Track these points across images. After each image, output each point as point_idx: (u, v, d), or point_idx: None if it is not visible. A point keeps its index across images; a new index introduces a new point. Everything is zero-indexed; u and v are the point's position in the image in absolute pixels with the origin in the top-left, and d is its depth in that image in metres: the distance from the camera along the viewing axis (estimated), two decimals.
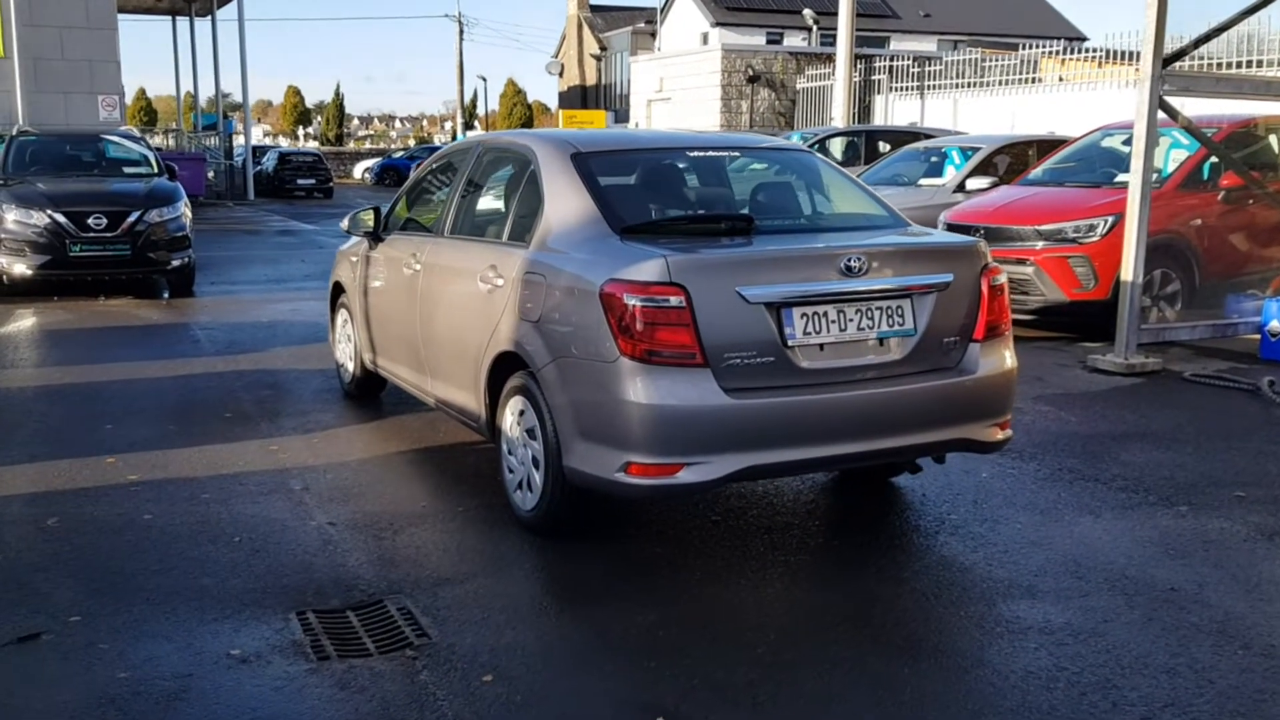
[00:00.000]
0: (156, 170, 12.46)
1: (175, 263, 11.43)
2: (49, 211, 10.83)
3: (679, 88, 24.80)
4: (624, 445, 3.87)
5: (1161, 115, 7.63)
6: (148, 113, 67.47)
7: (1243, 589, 3.94)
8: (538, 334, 4.24)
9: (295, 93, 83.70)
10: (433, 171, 5.99)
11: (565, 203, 4.42)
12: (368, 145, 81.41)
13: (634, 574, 4.09)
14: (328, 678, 3.29)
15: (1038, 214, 9.03)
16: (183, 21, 36.29)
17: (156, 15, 40.91)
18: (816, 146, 14.64)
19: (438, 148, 44.88)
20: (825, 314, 4.01)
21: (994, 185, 10.99)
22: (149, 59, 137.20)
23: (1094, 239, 8.60)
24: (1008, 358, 4.45)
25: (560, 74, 46.82)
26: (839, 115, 19.40)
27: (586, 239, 4.22)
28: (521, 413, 4.41)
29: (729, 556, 4.25)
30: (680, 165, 4.98)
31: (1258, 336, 8.22)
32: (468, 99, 61.05)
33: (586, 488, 4.10)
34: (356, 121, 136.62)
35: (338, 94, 77.68)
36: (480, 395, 4.73)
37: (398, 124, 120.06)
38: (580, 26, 46.21)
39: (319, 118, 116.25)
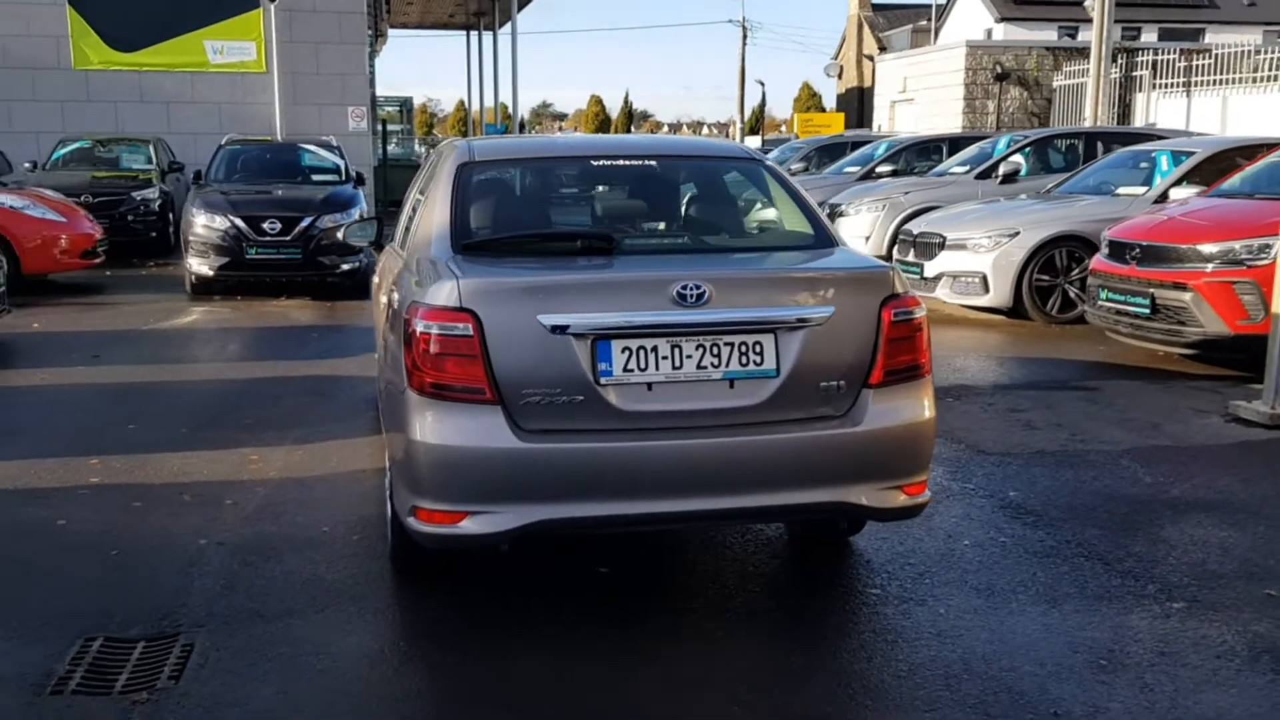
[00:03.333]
0: (343, 178, 13.10)
1: (345, 267, 11.93)
2: (229, 216, 11.59)
3: (922, 87, 23.52)
4: (413, 487, 3.54)
5: None
6: (464, 123, 72.21)
7: None
8: (383, 355, 3.98)
9: (597, 101, 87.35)
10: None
11: (431, 214, 4.12)
12: None
13: (462, 630, 3.72)
14: (29, 713, 3.17)
15: (1204, 230, 7.73)
16: (465, 34, 38.22)
17: (452, 29, 43.64)
18: (1027, 150, 13.40)
19: None
20: (655, 349, 3.48)
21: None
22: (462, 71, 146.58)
23: (1266, 261, 7.22)
24: (915, 407, 3.71)
25: (839, 76, 45.81)
26: (1092, 115, 17.68)
27: (426, 256, 3.90)
28: None
29: (591, 621, 3.79)
30: (578, 176, 4.54)
31: None
32: (755, 104, 61.07)
33: None
34: (666, 129, 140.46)
35: (626, 102, 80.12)
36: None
37: (695, 129, 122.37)
38: (860, 27, 44.97)
39: (630, 125, 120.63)
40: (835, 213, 13.69)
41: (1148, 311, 7.83)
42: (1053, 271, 10.00)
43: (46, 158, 16.78)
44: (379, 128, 25.73)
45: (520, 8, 30.13)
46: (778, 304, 3.58)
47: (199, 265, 11.67)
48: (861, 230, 13.30)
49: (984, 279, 10.06)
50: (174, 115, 19.80)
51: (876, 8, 46.35)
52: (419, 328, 3.46)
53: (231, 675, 3.40)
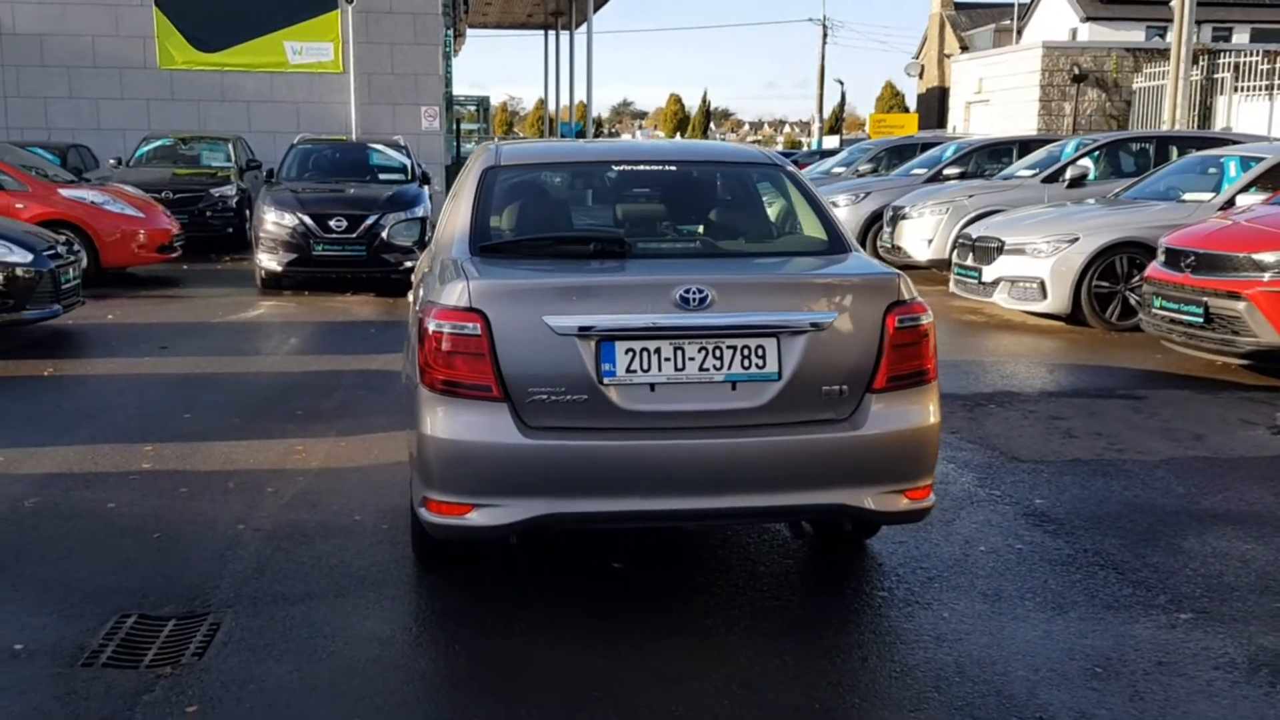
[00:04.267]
0: (409, 177, 13.40)
1: (408, 264, 12.17)
2: (298, 214, 11.94)
3: (998, 89, 23.18)
4: (425, 479, 3.70)
5: None
6: (543, 121, 72.95)
7: None
8: (406, 352, 4.14)
9: (676, 100, 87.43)
10: None
11: (455, 216, 4.28)
12: None
13: (473, 617, 3.87)
14: (58, 682, 3.38)
15: (1261, 238, 7.59)
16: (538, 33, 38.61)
17: (530, 29, 44.12)
18: (1097, 154, 13.19)
19: (790, 154, 44.98)
20: (659, 351, 3.58)
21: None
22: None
23: None
24: (919, 412, 3.76)
25: (920, 75, 45.29)
26: (1170, 118, 17.32)
27: (448, 256, 4.05)
28: None
29: (598, 613, 3.92)
30: (600, 181, 4.65)
31: None
32: (836, 103, 60.61)
33: None
34: (747, 127, 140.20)
35: (704, 101, 79.99)
36: None
37: (777, 128, 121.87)
38: (942, 26, 44.39)
39: (711, 123, 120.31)
40: (898, 215, 13.64)
41: (1201, 320, 7.71)
42: (1113, 278, 9.88)
43: (131, 154, 17.40)
44: (453, 126, 26.13)
45: (597, 8, 30.37)
46: (780, 309, 3.67)
47: (268, 261, 12.03)
48: (924, 233, 13.24)
49: (1042, 285, 9.97)
50: (254, 114, 20.39)
51: (959, 6, 45.71)
52: (431, 326, 3.61)
53: (250, 654, 3.59)
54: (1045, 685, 3.38)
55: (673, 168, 4.59)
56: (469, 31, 41.05)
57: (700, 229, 4.49)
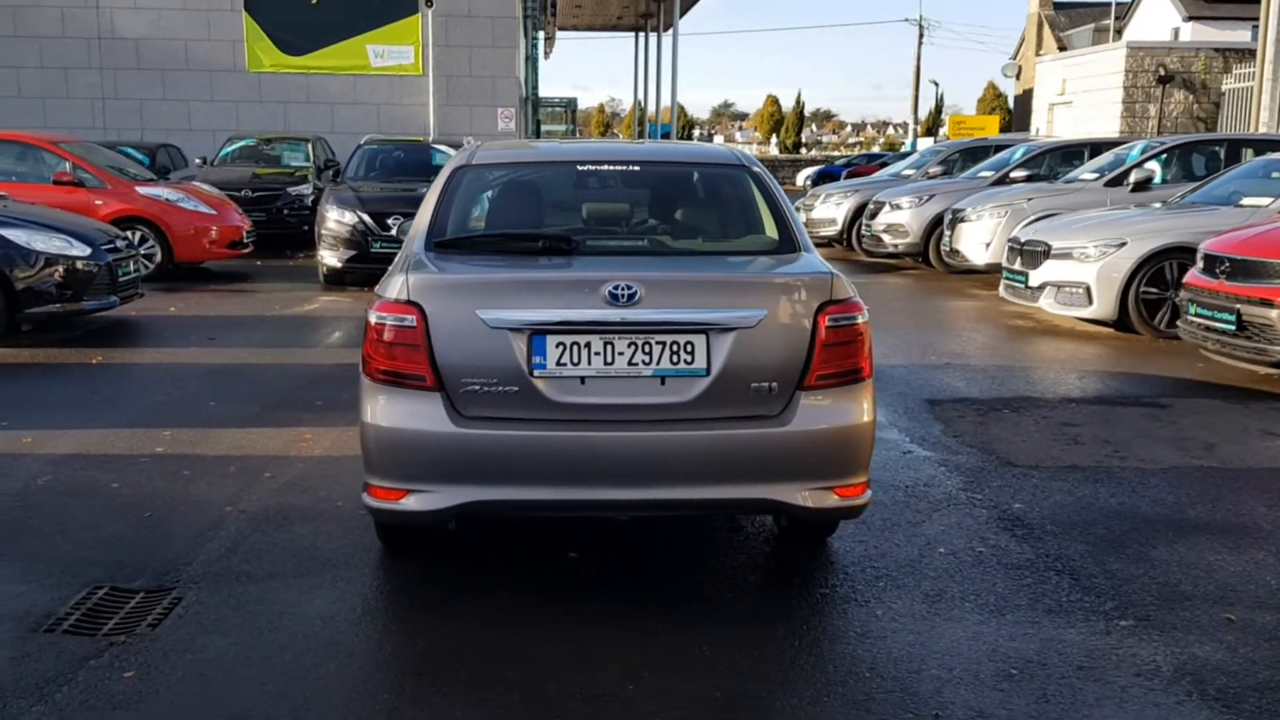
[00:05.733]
0: None
1: None
2: (357, 212, 12.30)
3: (1081, 89, 22.63)
4: (366, 465, 3.87)
5: None
6: (640, 123, 73.45)
7: None
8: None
9: (773, 101, 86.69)
10: None
11: (421, 215, 4.43)
12: (834, 151, 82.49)
13: (419, 602, 4.04)
14: (15, 645, 3.62)
15: None
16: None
17: (620, 31, 44.45)
18: (1164, 157, 12.84)
19: (879, 155, 44.47)
20: (589, 345, 3.68)
21: None
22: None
23: None
24: (850, 410, 3.79)
25: (1017, 76, 44.38)
26: (1255, 120, 16.74)
27: (407, 251, 4.21)
28: None
29: (538, 600, 4.03)
30: (565, 181, 4.76)
31: None
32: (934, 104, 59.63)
33: None
34: (849, 129, 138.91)
35: (798, 103, 79.14)
36: None
37: (880, 129, 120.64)
38: (1040, 26, 43.44)
39: (811, 126, 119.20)
40: (957, 218, 13.48)
41: (1234, 328, 7.51)
42: (1163, 284, 9.63)
43: (216, 154, 18.09)
44: (535, 128, 26.49)
45: (684, 11, 30.49)
46: (708, 306, 3.73)
47: (329, 257, 12.42)
48: (982, 237, 13.07)
49: (1088, 290, 9.78)
50: (337, 116, 21.01)
51: (1058, 6, 44.67)
52: (373, 318, 3.78)
53: (199, 626, 3.79)
54: (953, 685, 3.39)
55: (637, 168, 4.68)
56: (562, 34, 41.55)
57: (657, 228, 4.57)
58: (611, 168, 4.68)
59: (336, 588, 4.15)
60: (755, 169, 4.62)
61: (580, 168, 4.75)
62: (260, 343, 9.15)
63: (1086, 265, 9.81)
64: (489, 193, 4.62)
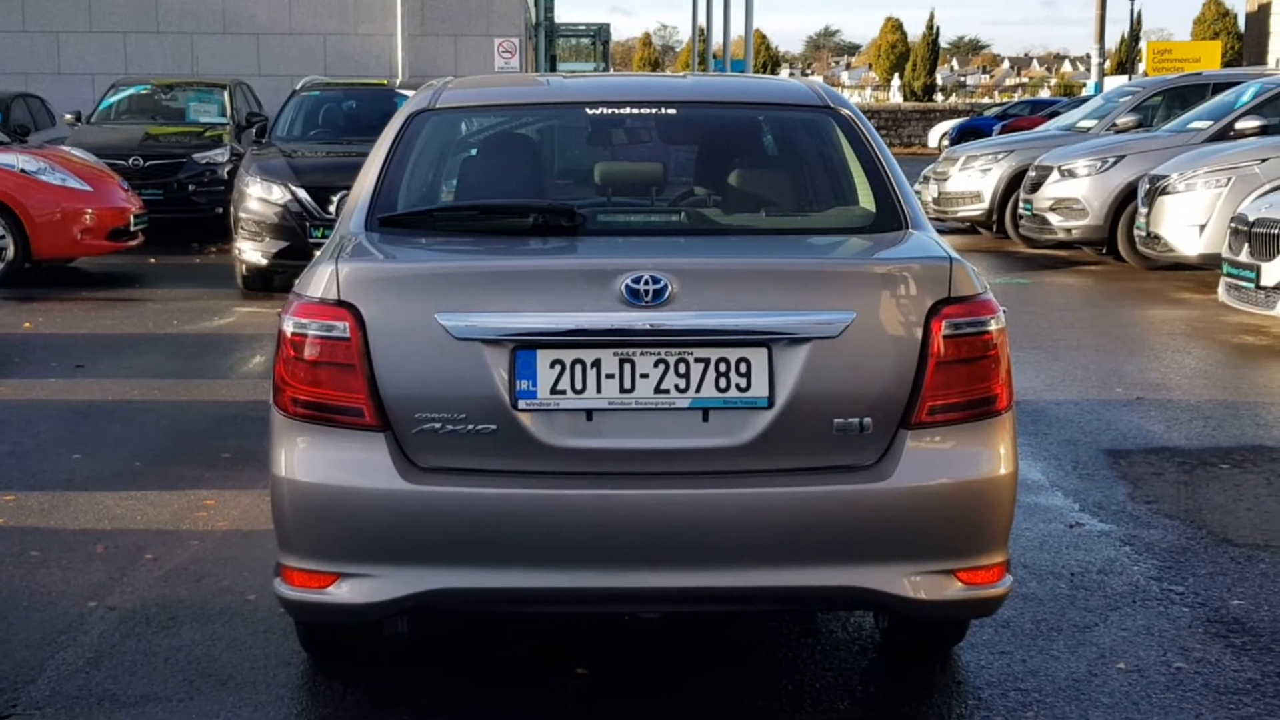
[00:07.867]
0: None
1: None
2: (290, 186, 12.46)
3: None
4: (279, 539, 3.89)
5: None
6: (700, 56, 73.74)
7: None
8: None
9: (894, 28, 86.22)
10: None
11: (361, 181, 4.47)
12: (984, 98, 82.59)
13: None
14: None
15: None
16: None
17: None
18: None
19: (1048, 101, 44.39)
20: (598, 364, 3.68)
21: None
22: None
23: None
24: (980, 458, 3.77)
25: None
26: None
27: (341, 234, 4.25)
28: None
29: None
30: (568, 130, 4.81)
31: None
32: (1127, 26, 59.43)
33: None
34: (1006, 65, 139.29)
35: (931, 28, 78.32)
36: None
37: (1044, 68, 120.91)
38: None
39: (951, 62, 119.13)
40: (1156, 189, 13.42)
41: None
42: None
43: (94, 107, 18.40)
44: (549, 66, 26.77)
45: None
46: (770, 307, 3.72)
47: (250, 251, 12.59)
48: (1194, 216, 13.00)
49: None
50: (265, 51, 21.34)
51: None
52: (288, 327, 3.80)
53: None
54: None
55: (673, 111, 4.70)
56: None
57: (700, 197, 4.59)
58: (636, 111, 4.70)
59: (239, 715, 4.17)
60: (845, 110, 4.63)
61: (590, 111, 4.77)
62: (148, 372, 9.31)
63: None
64: (459, 148, 4.67)
